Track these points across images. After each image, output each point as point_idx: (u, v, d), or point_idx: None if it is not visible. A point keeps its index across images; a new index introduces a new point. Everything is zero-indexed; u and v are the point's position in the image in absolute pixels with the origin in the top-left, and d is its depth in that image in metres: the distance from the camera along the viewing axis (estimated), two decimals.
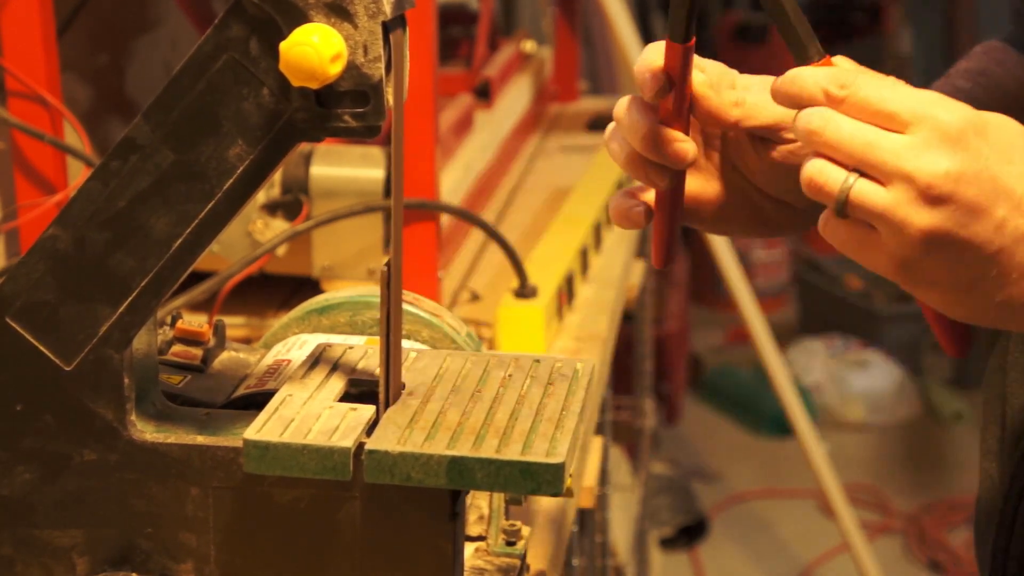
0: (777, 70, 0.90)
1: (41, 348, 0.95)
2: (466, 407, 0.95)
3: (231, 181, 0.92)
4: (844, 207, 0.85)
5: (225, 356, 1.10)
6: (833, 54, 0.90)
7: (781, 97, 0.88)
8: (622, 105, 0.99)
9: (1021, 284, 0.86)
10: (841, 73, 0.86)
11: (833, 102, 0.85)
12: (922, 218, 0.83)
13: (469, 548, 1.07)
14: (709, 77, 0.97)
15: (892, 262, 0.86)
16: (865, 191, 0.84)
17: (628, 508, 2.70)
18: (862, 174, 0.84)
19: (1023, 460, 1.12)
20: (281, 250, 1.64)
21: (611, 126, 1.01)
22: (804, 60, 0.88)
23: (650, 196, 1.01)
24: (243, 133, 0.91)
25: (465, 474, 0.89)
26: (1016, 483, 1.12)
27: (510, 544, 1.08)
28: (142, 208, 0.93)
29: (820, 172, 0.85)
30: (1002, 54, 1.29)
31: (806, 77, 0.86)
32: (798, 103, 0.87)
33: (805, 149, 0.87)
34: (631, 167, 0.99)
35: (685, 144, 0.95)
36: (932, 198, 0.83)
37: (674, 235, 1.01)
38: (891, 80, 0.87)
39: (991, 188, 0.84)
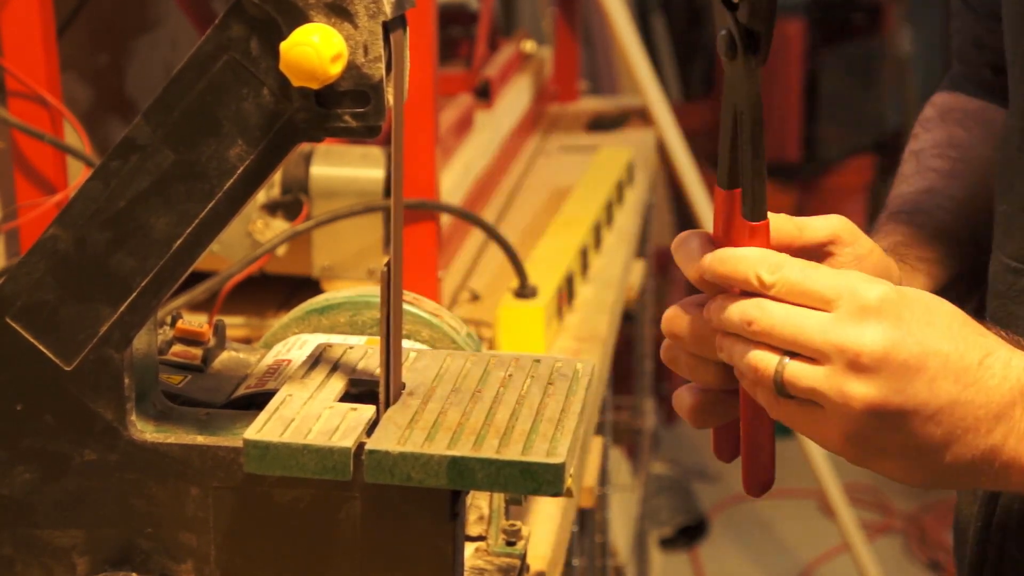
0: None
1: (41, 348, 0.95)
2: (466, 407, 0.95)
3: (231, 181, 0.92)
4: (783, 387, 0.88)
5: (225, 356, 1.10)
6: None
7: (712, 275, 0.91)
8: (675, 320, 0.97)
9: (965, 440, 0.88)
10: (771, 256, 0.89)
11: (764, 286, 0.89)
12: (857, 389, 0.86)
13: (469, 548, 1.07)
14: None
15: (840, 436, 0.88)
16: (798, 371, 0.88)
17: (628, 508, 2.71)
18: (795, 355, 0.88)
19: None
20: (281, 250, 1.64)
21: (664, 344, 0.99)
22: (751, 215, 0.91)
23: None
24: (243, 133, 0.91)
25: (465, 474, 0.89)
26: (991, 492, 1.13)
27: (510, 544, 1.08)
28: (142, 208, 0.93)
29: (758, 359, 0.88)
30: (959, 113, 1.30)
31: (740, 259, 0.90)
32: (730, 284, 0.90)
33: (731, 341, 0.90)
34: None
35: None
36: (863, 367, 0.86)
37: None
38: (813, 263, 0.90)
39: (919, 351, 0.86)
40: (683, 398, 0.98)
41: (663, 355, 0.98)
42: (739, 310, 0.89)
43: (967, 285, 1.21)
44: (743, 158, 0.91)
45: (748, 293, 0.90)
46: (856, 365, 0.86)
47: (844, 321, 0.86)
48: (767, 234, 0.92)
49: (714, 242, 0.94)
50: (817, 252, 0.96)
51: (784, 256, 0.90)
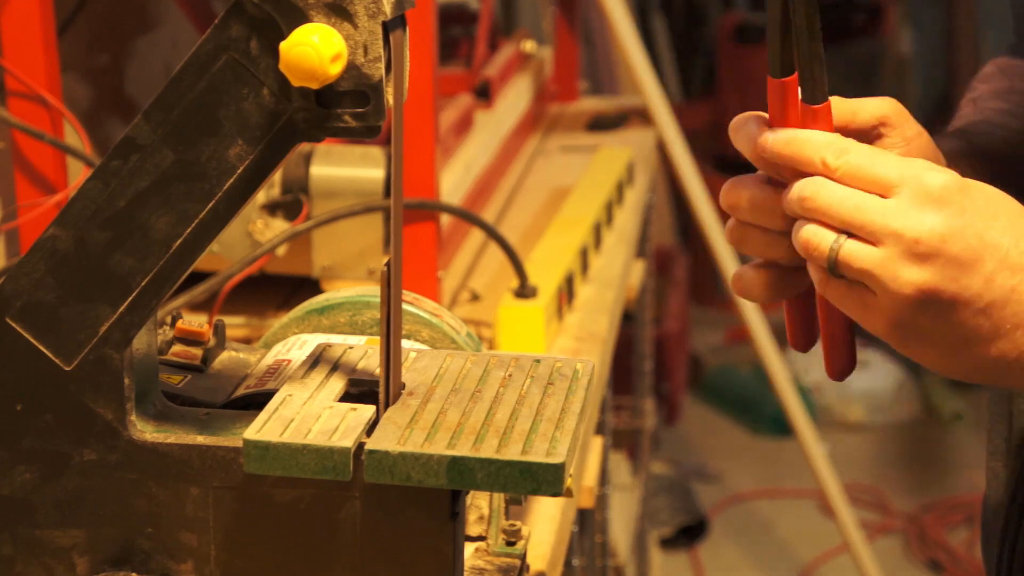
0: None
1: (41, 348, 0.95)
2: (466, 407, 0.95)
3: (231, 181, 0.92)
4: (836, 267, 0.88)
5: (225, 356, 1.10)
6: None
7: (776, 156, 0.91)
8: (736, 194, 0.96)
9: (1013, 337, 0.88)
10: (838, 141, 0.89)
11: (828, 169, 0.89)
12: (911, 274, 0.86)
13: (469, 548, 1.07)
14: None
15: (886, 321, 0.88)
16: (854, 250, 0.87)
17: (628, 508, 2.71)
18: (852, 235, 0.88)
19: None
20: (281, 250, 1.64)
21: (730, 224, 0.98)
22: (812, 99, 0.90)
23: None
24: (243, 133, 0.91)
25: (465, 474, 0.89)
26: (1022, 482, 1.12)
27: (510, 544, 1.08)
28: (142, 208, 0.93)
29: (813, 235, 0.89)
30: (1021, 68, 1.29)
31: (805, 141, 0.90)
32: (794, 165, 0.90)
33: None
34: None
35: None
36: (919, 255, 0.86)
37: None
38: (880, 150, 0.90)
39: (977, 243, 0.86)
40: (748, 275, 0.97)
41: (728, 236, 0.97)
42: (799, 186, 0.89)
43: None
44: (799, 42, 0.90)
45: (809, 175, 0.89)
46: (913, 251, 0.86)
47: (905, 206, 0.86)
48: (829, 117, 0.91)
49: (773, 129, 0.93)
50: (868, 134, 0.96)
51: (850, 140, 0.89)
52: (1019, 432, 1.15)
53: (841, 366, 0.97)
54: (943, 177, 0.87)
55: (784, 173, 0.92)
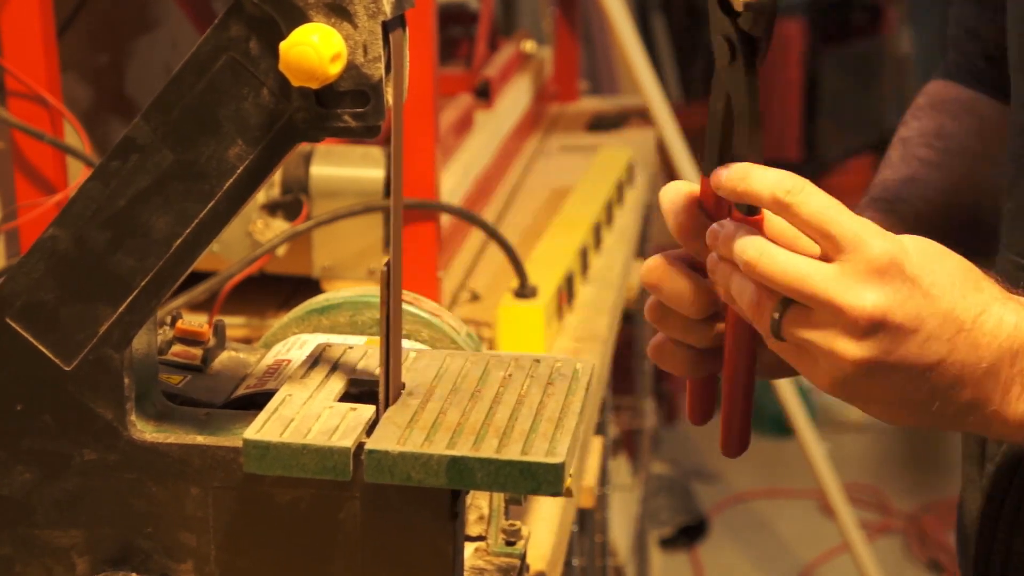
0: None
1: (41, 348, 0.95)
2: (466, 407, 0.95)
3: (231, 181, 0.92)
4: (779, 332, 0.89)
5: (225, 356, 1.10)
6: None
7: (727, 191, 0.90)
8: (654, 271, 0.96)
9: (949, 395, 0.90)
10: (790, 178, 0.89)
11: (780, 207, 0.88)
12: (851, 349, 0.87)
13: (469, 548, 1.07)
14: None
15: (828, 381, 0.90)
16: (796, 319, 0.88)
17: (628, 508, 2.71)
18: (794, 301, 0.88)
19: (1004, 464, 1.12)
20: (281, 250, 1.64)
21: (650, 301, 0.98)
22: (750, 212, 0.91)
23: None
24: (243, 133, 0.91)
25: (465, 474, 0.89)
26: (997, 488, 1.13)
27: (510, 544, 1.08)
28: (142, 208, 0.93)
29: (756, 303, 0.89)
30: (953, 104, 1.29)
31: (757, 177, 0.89)
32: (743, 199, 0.90)
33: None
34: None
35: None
36: (859, 329, 0.86)
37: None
38: (836, 201, 0.89)
39: (915, 312, 0.87)
40: (666, 349, 0.98)
41: (648, 314, 0.97)
42: (742, 247, 0.88)
43: None
44: (743, 159, 0.91)
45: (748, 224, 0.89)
46: (852, 327, 0.86)
47: (848, 278, 0.86)
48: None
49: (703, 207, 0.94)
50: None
51: (805, 182, 0.89)
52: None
53: (736, 447, 0.99)
54: (887, 246, 0.87)
55: (733, 213, 0.91)
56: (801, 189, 0.88)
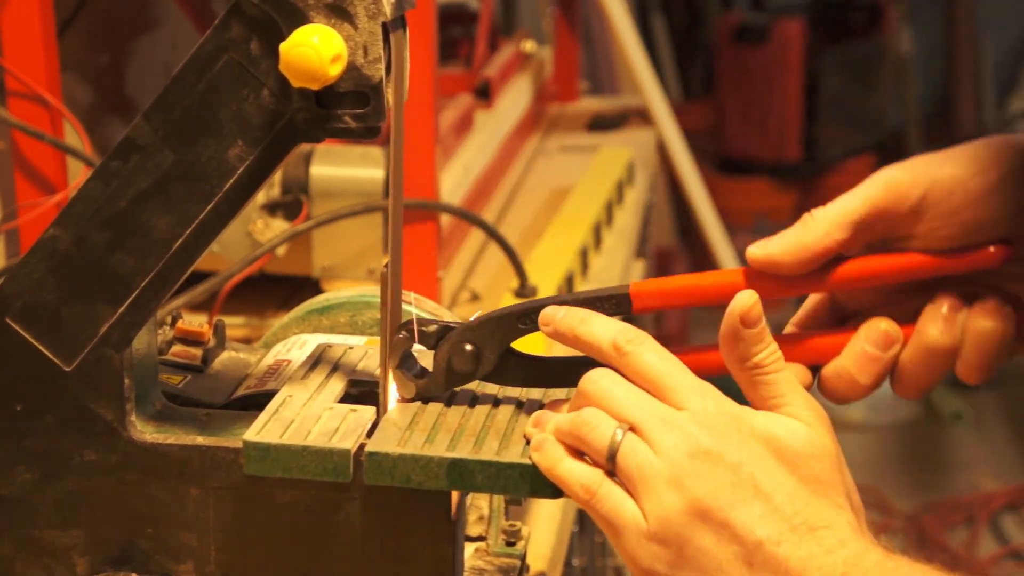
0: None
1: (41, 348, 0.95)
2: (466, 409, 0.95)
3: (231, 181, 0.92)
4: (615, 456, 0.86)
5: (225, 356, 1.10)
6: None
7: (569, 339, 0.91)
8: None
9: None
10: (630, 330, 0.89)
11: (619, 353, 0.88)
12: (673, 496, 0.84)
13: (469, 548, 1.06)
14: None
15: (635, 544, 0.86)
16: (634, 446, 0.86)
17: None
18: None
19: None
20: (281, 250, 1.64)
21: None
22: None
23: None
24: (243, 134, 0.91)
25: (465, 476, 0.89)
26: None
27: (510, 544, 1.08)
28: (142, 208, 0.92)
29: (595, 427, 0.87)
30: None
31: (597, 326, 0.90)
32: (585, 348, 0.90)
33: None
34: None
35: None
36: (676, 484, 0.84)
37: None
38: (669, 357, 0.89)
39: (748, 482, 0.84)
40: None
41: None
42: (585, 378, 0.90)
43: None
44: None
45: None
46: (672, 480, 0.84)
47: (685, 420, 0.86)
48: None
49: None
50: (904, 220, 0.91)
51: (644, 335, 0.89)
52: None
53: None
54: (708, 441, 0.85)
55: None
56: (641, 340, 0.89)
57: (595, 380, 0.89)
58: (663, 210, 4.67)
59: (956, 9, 5.29)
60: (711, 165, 4.94)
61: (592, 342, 0.90)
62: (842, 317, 0.98)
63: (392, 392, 0.95)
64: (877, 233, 0.92)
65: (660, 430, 0.86)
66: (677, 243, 4.88)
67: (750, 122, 4.85)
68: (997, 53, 5.28)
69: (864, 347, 0.93)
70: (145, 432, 0.96)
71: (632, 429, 0.87)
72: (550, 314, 0.92)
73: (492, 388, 0.98)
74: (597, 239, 1.98)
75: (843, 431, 4.48)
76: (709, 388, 0.88)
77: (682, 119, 3.03)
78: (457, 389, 0.97)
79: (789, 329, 0.99)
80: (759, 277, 0.92)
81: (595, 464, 0.88)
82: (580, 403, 0.89)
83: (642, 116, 2.75)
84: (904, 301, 0.95)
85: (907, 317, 0.93)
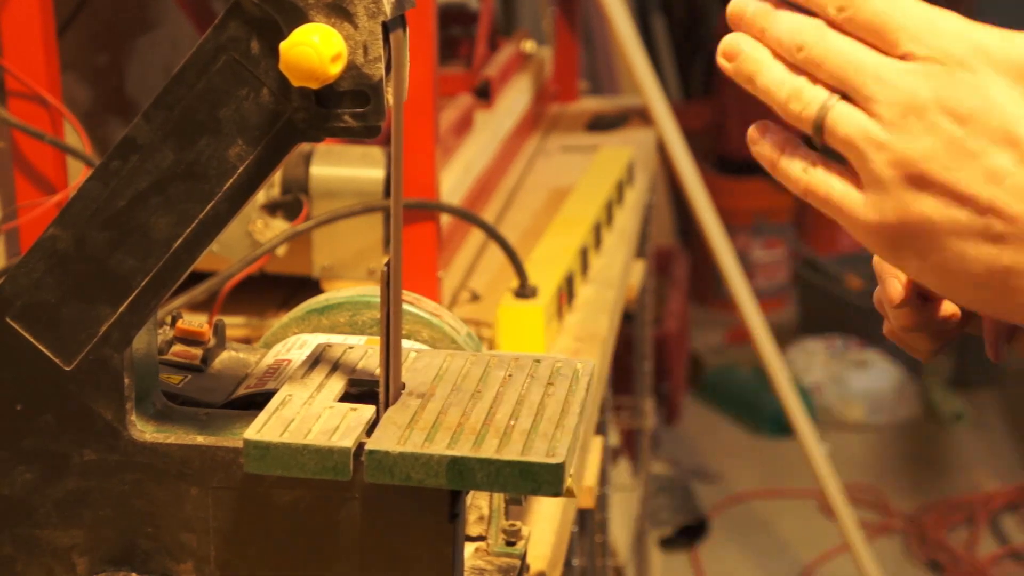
0: None
1: (41, 348, 0.95)
2: (466, 407, 0.95)
3: (231, 181, 0.92)
4: (822, 131, 0.78)
5: (225, 356, 1.10)
6: None
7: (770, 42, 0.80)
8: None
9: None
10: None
11: (838, 9, 0.78)
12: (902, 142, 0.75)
13: (469, 548, 1.07)
14: None
15: (873, 203, 0.77)
16: (844, 113, 0.77)
17: (628, 508, 2.71)
18: (844, 97, 0.78)
19: None
20: (281, 250, 1.64)
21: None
22: None
23: None
24: (243, 133, 0.91)
25: (465, 474, 0.89)
26: None
27: (510, 544, 1.08)
28: (142, 208, 0.93)
29: (800, 89, 0.79)
30: None
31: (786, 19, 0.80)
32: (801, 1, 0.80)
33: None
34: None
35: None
36: (910, 127, 0.75)
37: None
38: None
39: (992, 125, 0.74)
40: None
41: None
42: (799, 28, 0.78)
43: None
44: None
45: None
46: (904, 119, 0.75)
47: (909, 68, 0.75)
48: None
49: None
50: None
51: None
52: None
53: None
54: (968, 44, 0.76)
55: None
56: None
57: (811, 40, 0.78)
58: (663, 210, 4.68)
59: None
60: (711, 165, 4.95)
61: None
62: None
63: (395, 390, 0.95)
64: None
65: (874, 90, 0.76)
66: (677, 243, 4.88)
67: (750, 122, 4.83)
68: None
69: None
70: (145, 432, 0.96)
71: (845, 98, 0.77)
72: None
73: (495, 381, 0.98)
74: (597, 239, 1.98)
75: (843, 431, 4.51)
76: (950, 19, 0.77)
77: (682, 119, 3.03)
78: (457, 388, 0.97)
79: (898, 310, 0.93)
80: None
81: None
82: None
83: (642, 116, 2.75)
84: None
85: None
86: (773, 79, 0.80)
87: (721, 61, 0.83)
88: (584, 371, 1.01)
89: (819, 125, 0.78)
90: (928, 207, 0.76)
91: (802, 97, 0.79)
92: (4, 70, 1.55)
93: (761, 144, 0.83)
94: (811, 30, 0.78)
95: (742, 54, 0.82)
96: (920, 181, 0.76)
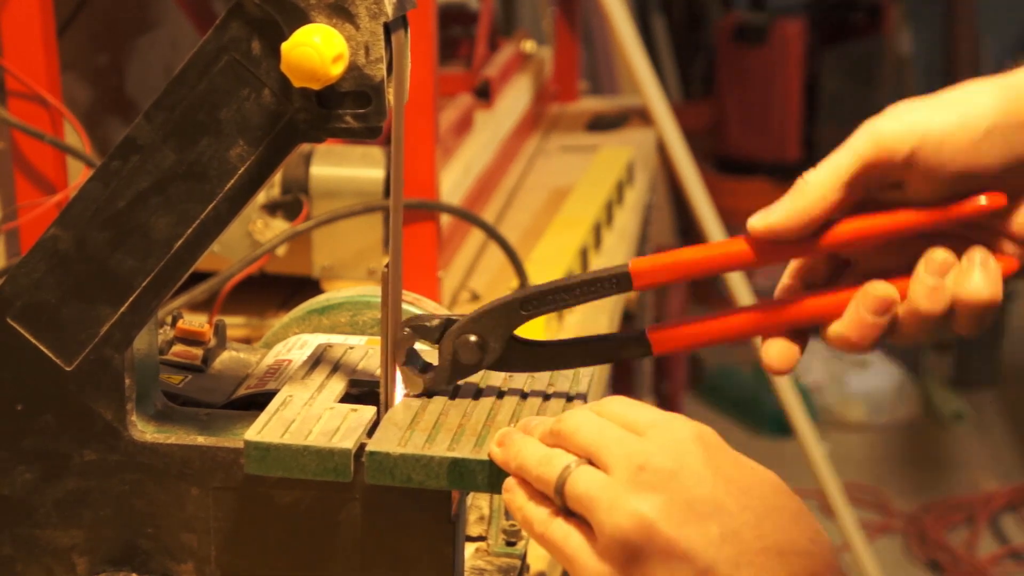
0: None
1: (42, 348, 0.95)
2: (467, 408, 0.95)
3: (232, 181, 0.92)
4: (562, 490, 0.84)
5: (226, 356, 1.10)
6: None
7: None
8: None
9: None
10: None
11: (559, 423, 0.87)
12: (633, 502, 0.82)
13: (469, 548, 1.06)
14: None
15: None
16: (584, 473, 0.84)
17: None
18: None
19: None
20: (281, 250, 1.64)
21: None
22: None
23: None
24: (244, 133, 0.91)
25: (466, 476, 0.89)
26: None
27: (510, 544, 1.08)
28: (143, 208, 0.92)
29: (549, 457, 0.86)
30: None
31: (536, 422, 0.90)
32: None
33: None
34: None
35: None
36: (643, 483, 0.82)
37: None
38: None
39: (711, 500, 0.86)
40: None
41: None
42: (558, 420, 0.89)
43: None
44: None
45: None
46: (638, 478, 0.83)
47: (646, 443, 0.86)
48: None
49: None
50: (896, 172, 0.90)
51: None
52: None
53: None
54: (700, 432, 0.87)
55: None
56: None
57: (565, 419, 0.88)
58: (663, 210, 4.67)
59: (956, 9, 5.29)
60: (711, 165, 4.94)
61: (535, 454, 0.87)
62: (836, 265, 0.97)
63: (399, 389, 0.95)
64: (868, 186, 0.92)
65: (613, 451, 0.84)
66: (677, 243, 4.88)
67: (750, 122, 4.85)
68: (997, 53, 5.28)
69: (862, 315, 0.92)
70: (145, 432, 0.96)
71: (591, 462, 0.85)
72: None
73: (496, 380, 0.98)
74: (597, 239, 1.98)
75: (843, 431, 4.50)
76: (676, 419, 0.88)
77: (682, 119, 3.02)
78: (461, 382, 0.97)
79: (785, 280, 0.99)
80: (757, 245, 0.94)
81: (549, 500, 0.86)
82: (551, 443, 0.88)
83: (642, 116, 2.75)
84: (896, 252, 0.93)
85: (902, 268, 0.92)
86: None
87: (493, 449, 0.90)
88: (585, 371, 1.01)
89: (561, 485, 0.85)
90: (655, 564, 0.82)
91: (549, 464, 0.86)
92: (4, 70, 1.55)
93: (515, 492, 0.88)
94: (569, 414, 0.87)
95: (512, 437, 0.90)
96: (650, 535, 0.81)
